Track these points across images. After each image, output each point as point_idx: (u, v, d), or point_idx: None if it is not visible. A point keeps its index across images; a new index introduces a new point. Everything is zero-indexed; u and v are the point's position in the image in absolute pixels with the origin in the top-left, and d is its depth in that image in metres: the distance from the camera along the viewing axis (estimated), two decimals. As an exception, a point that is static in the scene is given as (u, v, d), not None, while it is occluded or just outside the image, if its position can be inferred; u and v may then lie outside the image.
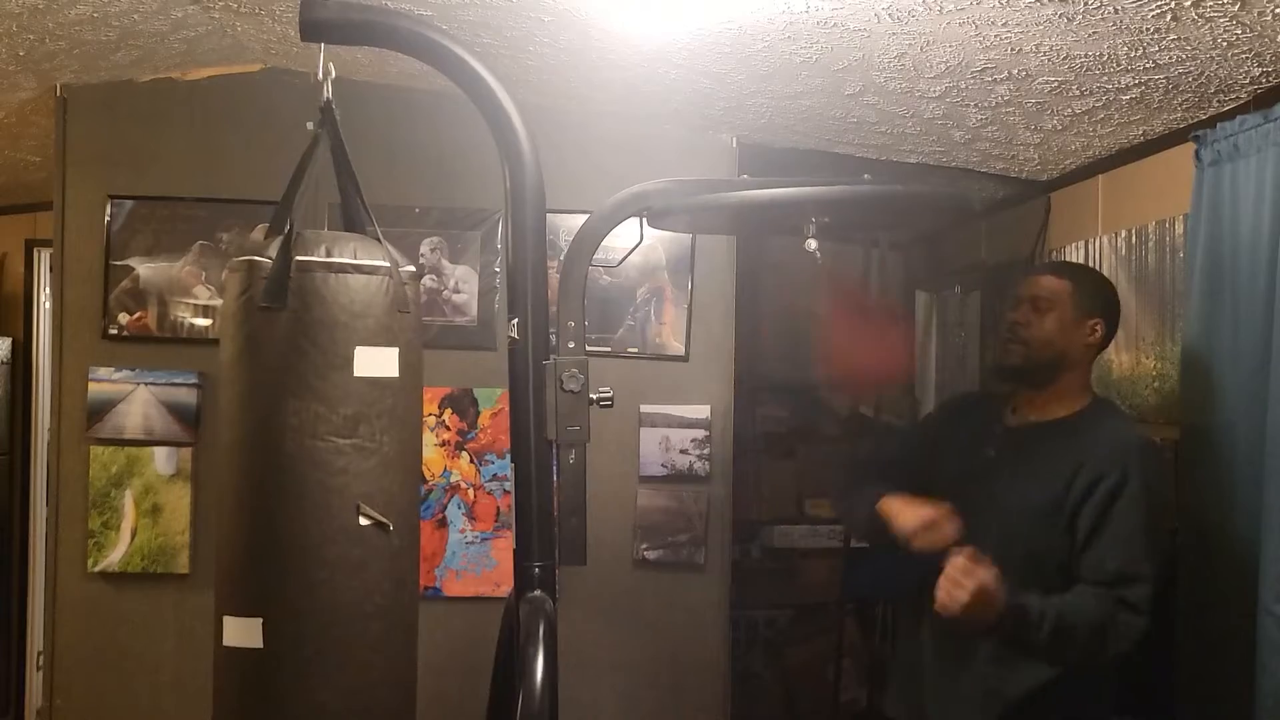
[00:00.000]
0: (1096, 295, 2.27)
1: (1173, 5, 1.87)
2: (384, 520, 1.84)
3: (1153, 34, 2.01)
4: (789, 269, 4.08)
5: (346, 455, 1.81)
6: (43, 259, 4.39)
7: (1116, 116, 2.55)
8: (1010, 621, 2.01)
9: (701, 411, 3.13)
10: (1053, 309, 2.22)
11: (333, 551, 1.81)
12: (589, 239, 2.13)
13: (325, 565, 1.81)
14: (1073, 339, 2.22)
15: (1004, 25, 2.05)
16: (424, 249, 3.08)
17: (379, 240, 1.93)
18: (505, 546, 3.04)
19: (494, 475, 3.10)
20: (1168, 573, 2.26)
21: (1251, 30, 1.95)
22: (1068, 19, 1.99)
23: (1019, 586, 2.04)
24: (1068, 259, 3.09)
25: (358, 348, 1.82)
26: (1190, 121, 2.51)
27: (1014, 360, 2.27)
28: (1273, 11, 1.87)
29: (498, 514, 3.10)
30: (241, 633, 1.82)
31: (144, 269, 3.05)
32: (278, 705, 1.82)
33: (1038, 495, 2.16)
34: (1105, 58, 2.16)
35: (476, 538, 3.11)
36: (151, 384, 3.04)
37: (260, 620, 1.80)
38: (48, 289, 4.36)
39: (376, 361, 1.84)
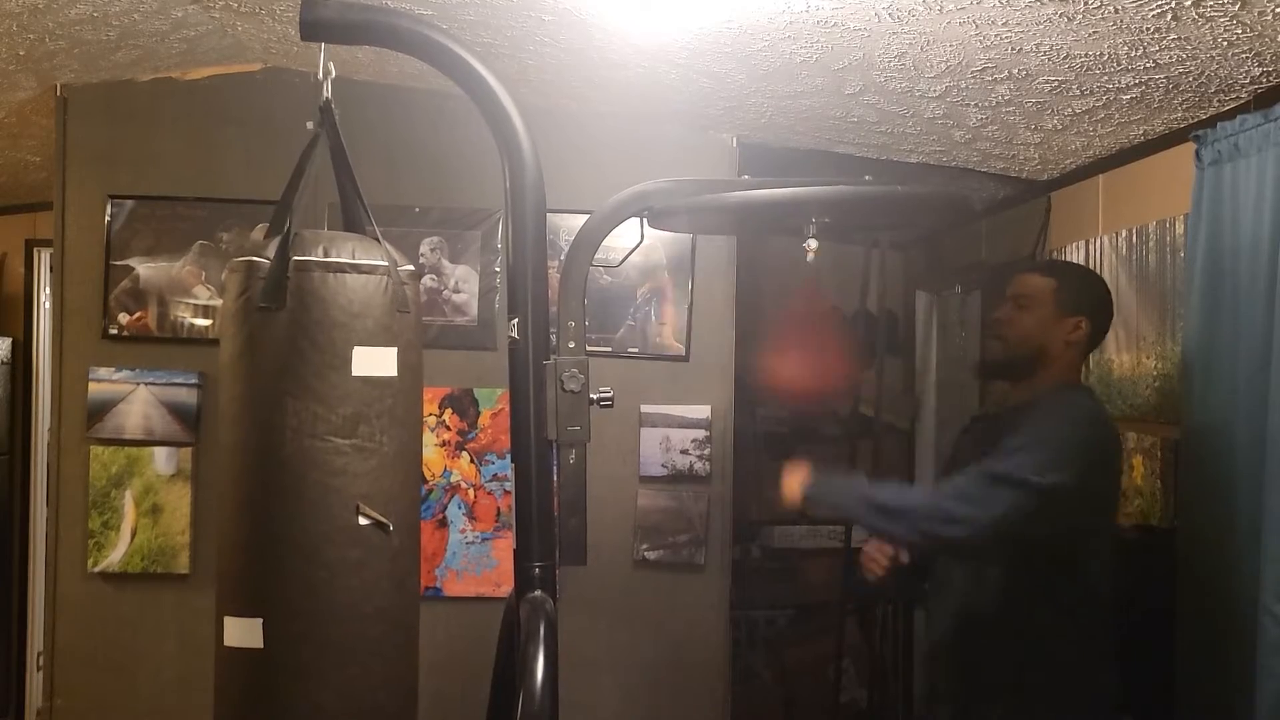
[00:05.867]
0: (1081, 294, 2.29)
1: (1173, 5, 1.87)
2: (384, 520, 1.83)
3: (1153, 34, 2.01)
4: (789, 269, 4.09)
5: (346, 455, 1.81)
6: (43, 259, 4.39)
7: (1117, 116, 2.55)
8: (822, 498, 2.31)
9: (702, 411, 3.13)
10: (1034, 306, 2.27)
11: (333, 552, 1.81)
12: (589, 239, 2.13)
13: (325, 566, 1.80)
14: (1053, 336, 2.25)
15: (1004, 25, 2.05)
16: (424, 249, 3.08)
17: (378, 240, 1.92)
18: (505, 546, 3.04)
19: (494, 475, 3.10)
20: (1149, 567, 2.29)
21: (1252, 30, 1.95)
22: (1068, 19, 1.99)
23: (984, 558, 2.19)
24: (1068, 259, 3.09)
25: (356, 348, 1.82)
26: (1190, 121, 2.51)
27: (993, 355, 2.33)
28: (1273, 11, 1.87)
29: (498, 514, 3.10)
30: (242, 633, 1.81)
31: (144, 269, 3.05)
32: (278, 705, 1.81)
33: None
34: (1105, 57, 2.16)
35: (477, 538, 3.11)
36: (151, 384, 3.04)
37: (261, 621, 1.80)
38: (48, 289, 4.36)
39: (375, 361, 1.84)
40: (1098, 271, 2.90)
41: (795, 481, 2.27)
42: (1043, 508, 2.06)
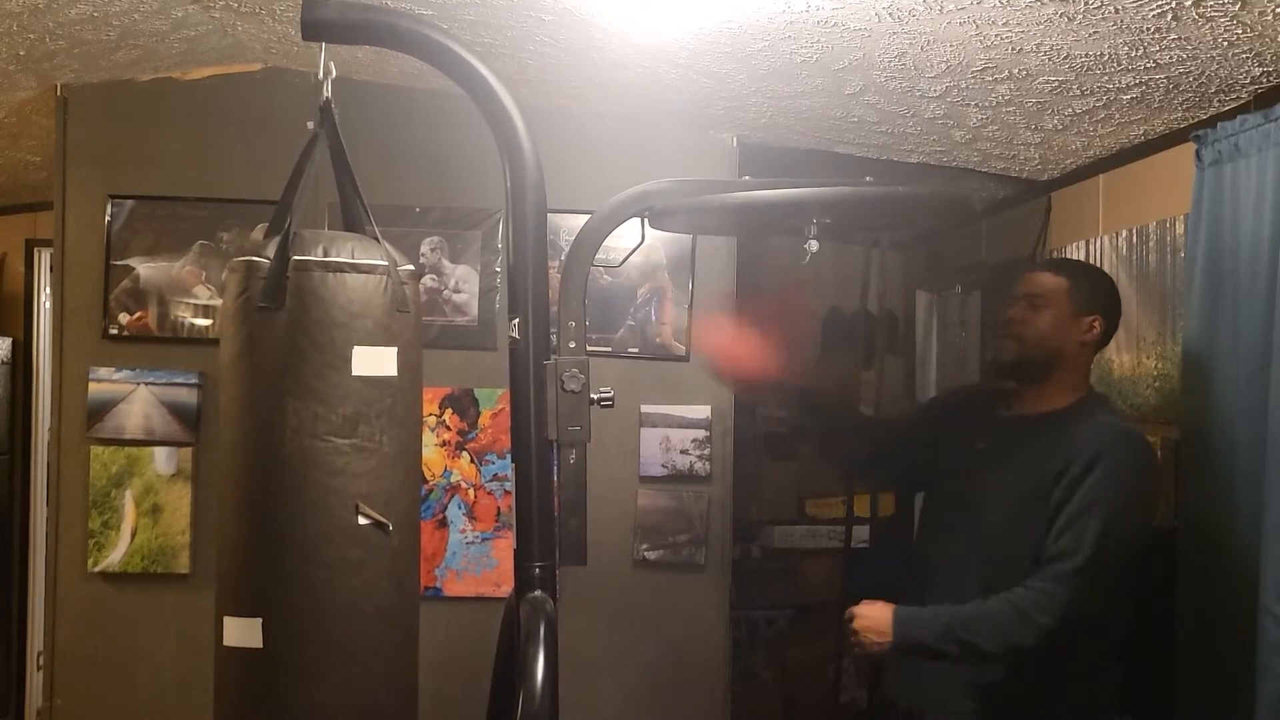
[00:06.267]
0: (1094, 292, 2.27)
1: (1173, 5, 1.87)
2: (383, 520, 1.83)
3: (1153, 34, 2.01)
4: (789, 269, 4.09)
5: (345, 455, 1.81)
6: (43, 259, 4.39)
7: (1117, 116, 2.55)
8: (912, 647, 2.17)
9: (702, 411, 3.13)
10: (1049, 305, 2.24)
11: (332, 552, 1.81)
12: (590, 239, 2.13)
13: (325, 565, 1.80)
14: (1068, 335, 2.24)
15: (1005, 25, 2.05)
16: (424, 248, 3.08)
17: (377, 240, 1.92)
18: (506, 546, 3.04)
19: (494, 475, 3.10)
20: (1149, 568, 2.29)
21: (1252, 30, 1.95)
22: (1068, 18, 1.99)
23: (1005, 578, 2.13)
24: (1068, 259, 3.09)
25: (356, 347, 1.82)
26: (1191, 121, 2.51)
27: (1008, 356, 2.29)
28: (1273, 11, 1.87)
29: (498, 514, 3.10)
30: (241, 633, 1.81)
31: (144, 269, 3.05)
32: (278, 705, 1.81)
33: (1021, 486, 2.19)
34: (1106, 57, 2.16)
35: (477, 538, 3.11)
36: (152, 384, 3.04)
37: (260, 620, 1.80)
38: (48, 289, 4.36)
39: (375, 361, 1.84)
40: (1098, 272, 2.91)
41: (884, 615, 2.18)
42: (1118, 570, 2.10)
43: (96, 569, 3.03)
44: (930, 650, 2.16)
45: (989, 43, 2.15)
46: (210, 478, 2.91)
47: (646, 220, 2.22)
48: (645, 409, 3.12)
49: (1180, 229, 2.57)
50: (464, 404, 3.11)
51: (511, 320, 1.99)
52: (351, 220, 2.03)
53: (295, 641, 1.80)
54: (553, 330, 2.03)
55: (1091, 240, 3.01)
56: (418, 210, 3.09)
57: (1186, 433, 2.42)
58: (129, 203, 3.05)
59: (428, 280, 3.06)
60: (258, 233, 1.94)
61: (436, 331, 3.05)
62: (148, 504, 3.04)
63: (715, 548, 3.15)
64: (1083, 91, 2.38)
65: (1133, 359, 2.77)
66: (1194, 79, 2.23)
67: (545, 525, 1.97)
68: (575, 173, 2.87)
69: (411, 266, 2.00)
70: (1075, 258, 3.06)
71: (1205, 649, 2.30)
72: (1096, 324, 2.25)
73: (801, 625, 4.23)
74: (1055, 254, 3.21)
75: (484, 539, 3.11)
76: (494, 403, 3.09)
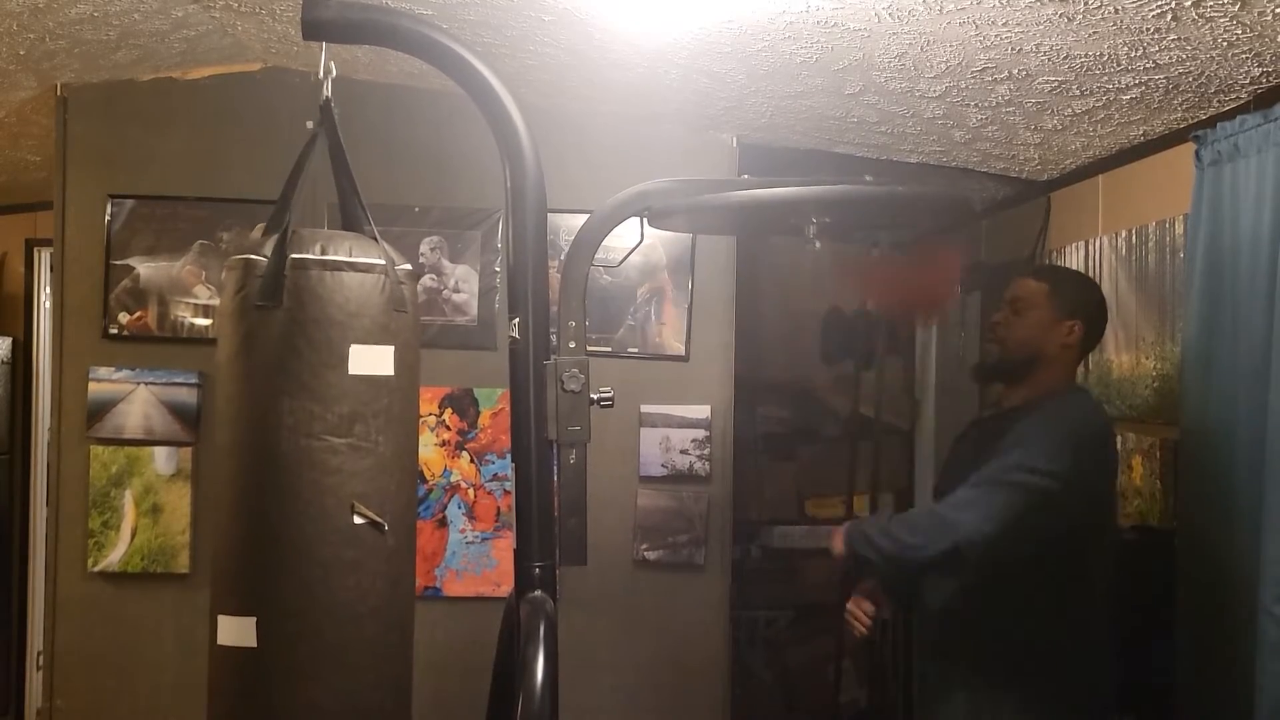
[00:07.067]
0: (1075, 297, 2.32)
1: (1173, 5, 1.87)
2: (379, 520, 1.83)
3: (1153, 34, 2.01)
4: (789, 269, 4.09)
5: (341, 454, 1.80)
6: (43, 259, 4.39)
7: (1117, 116, 2.55)
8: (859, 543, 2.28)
9: (702, 411, 3.13)
10: (1030, 310, 2.31)
11: (327, 551, 1.80)
12: (590, 239, 2.13)
13: (319, 565, 1.80)
14: (1048, 338, 2.29)
15: (1004, 25, 2.05)
16: (424, 248, 3.08)
17: (375, 239, 1.92)
18: (505, 546, 3.04)
19: (494, 475, 3.10)
20: (1148, 568, 2.29)
21: (1251, 30, 1.95)
22: (1068, 19, 1.99)
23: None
24: (1068, 259, 3.09)
25: (353, 346, 1.82)
26: (1190, 121, 2.51)
27: (989, 358, 2.37)
28: (1273, 11, 1.87)
29: (498, 514, 3.10)
30: (236, 632, 1.81)
31: (144, 268, 3.05)
32: (271, 705, 1.81)
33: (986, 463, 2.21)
34: (1105, 58, 2.16)
35: (477, 537, 3.11)
36: (151, 384, 3.04)
37: (254, 619, 1.80)
38: (48, 289, 4.36)
39: (372, 360, 1.83)
40: (1097, 272, 2.91)
41: (838, 533, 2.33)
42: (1035, 504, 2.09)
43: (96, 569, 3.03)
44: (874, 546, 2.22)
45: (989, 43, 2.15)
46: (210, 477, 2.91)
47: (645, 220, 2.22)
48: (645, 409, 3.12)
49: (1180, 229, 2.57)
50: (464, 404, 3.11)
51: (511, 320, 1.99)
52: (350, 219, 2.02)
53: (289, 641, 1.80)
54: (553, 330, 2.03)
55: (1091, 241, 3.01)
56: (417, 210, 3.09)
57: (1186, 433, 2.42)
58: (129, 202, 3.05)
59: (427, 280, 3.06)
60: (257, 232, 1.93)
61: (436, 331, 3.05)
62: (147, 504, 3.04)
63: (715, 548, 3.15)
64: (1083, 91, 2.38)
65: (1132, 359, 2.77)
66: (1194, 79, 2.23)
67: (545, 525, 1.97)
68: (575, 173, 2.87)
69: (409, 266, 1.99)
70: (1075, 258, 3.06)
71: (1205, 650, 2.30)
72: (1076, 328, 2.29)
73: (801, 625, 4.22)
74: (1055, 254, 3.21)
75: (484, 539, 3.11)
76: (494, 403, 3.09)
